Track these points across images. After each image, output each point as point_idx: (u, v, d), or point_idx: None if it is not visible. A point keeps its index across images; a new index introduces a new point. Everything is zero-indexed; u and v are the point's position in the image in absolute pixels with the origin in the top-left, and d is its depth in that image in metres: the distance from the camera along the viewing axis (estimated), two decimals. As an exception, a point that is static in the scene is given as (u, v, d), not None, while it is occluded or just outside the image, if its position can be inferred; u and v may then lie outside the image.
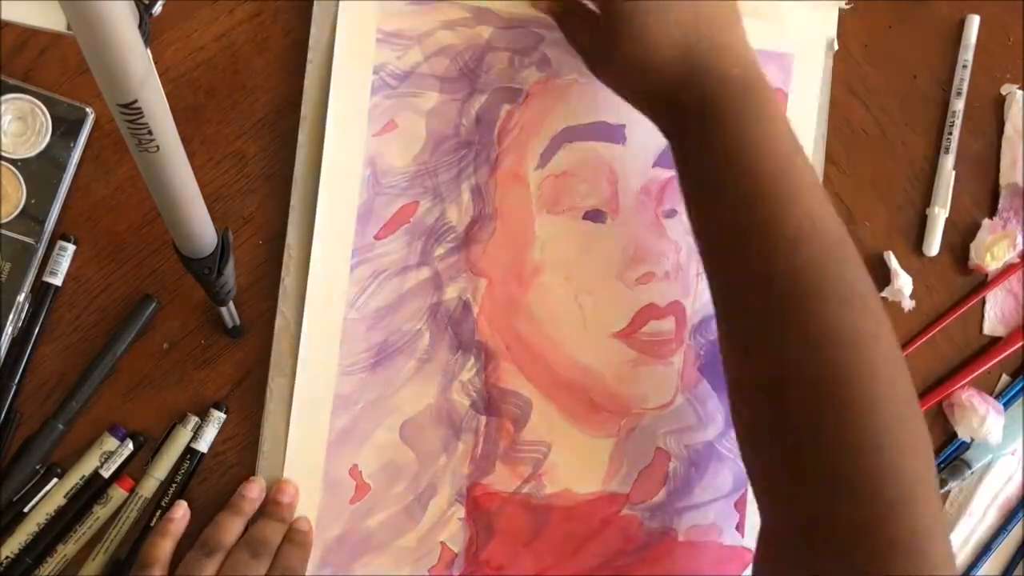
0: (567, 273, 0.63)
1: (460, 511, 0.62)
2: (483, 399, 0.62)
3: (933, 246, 0.67)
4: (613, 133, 0.64)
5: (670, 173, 0.64)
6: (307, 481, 0.60)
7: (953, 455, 0.67)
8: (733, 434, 0.63)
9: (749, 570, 0.63)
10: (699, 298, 0.65)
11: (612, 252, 0.63)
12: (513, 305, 0.63)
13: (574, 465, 0.63)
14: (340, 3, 0.61)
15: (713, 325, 0.64)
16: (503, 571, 0.62)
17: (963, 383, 0.67)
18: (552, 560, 0.63)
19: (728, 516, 0.64)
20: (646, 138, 0.64)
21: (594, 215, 0.63)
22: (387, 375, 0.61)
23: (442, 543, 0.61)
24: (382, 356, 0.61)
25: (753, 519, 0.64)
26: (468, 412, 0.62)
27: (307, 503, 0.60)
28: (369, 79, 0.62)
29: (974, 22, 0.69)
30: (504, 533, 0.62)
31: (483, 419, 0.62)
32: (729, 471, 0.64)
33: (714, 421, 0.64)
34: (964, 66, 0.69)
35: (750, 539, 0.64)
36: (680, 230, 0.64)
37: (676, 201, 0.64)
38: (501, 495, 0.62)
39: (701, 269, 0.63)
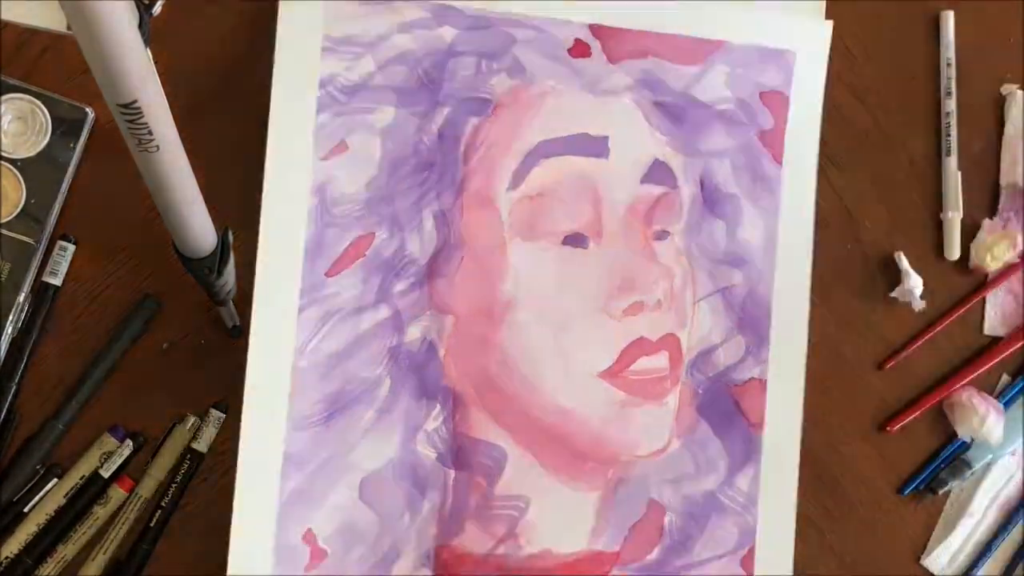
0: (544, 306, 0.57)
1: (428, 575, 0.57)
2: (451, 451, 0.57)
3: (954, 250, 0.67)
4: (595, 146, 0.58)
5: (660, 189, 0.59)
6: (257, 549, 0.55)
7: (953, 455, 0.67)
8: (737, 483, 0.59)
9: None
10: (697, 330, 0.59)
11: (596, 281, 0.58)
12: (483, 345, 0.57)
13: (556, 522, 0.57)
14: (280, 6, 0.56)
15: (713, 358, 0.59)
16: None
17: (963, 383, 0.67)
18: None
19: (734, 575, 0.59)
20: (632, 151, 0.59)
21: (574, 239, 0.58)
22: (343, 428, 0.56)
23: None
24: (337, 407, 0.56)
25: None
26: (434, 466, 0.57)
27: (257, 573, 0.55)
28: (315, 94, 0.56)
29: (949, 19, 0.69)
30: None
31: (451, 473, 0.57)
32: (733, 524, 0.59)
33: (715, 469, 0.59)
34: (948, 64, 0.68)
35: None
36: (672, 253, 0.59)
37: (668, 221, 0.59)
38: (474, 557, 0.56)
39: (698, 297, 0.59)
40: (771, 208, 0.61)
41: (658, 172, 0.59)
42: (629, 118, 0.59)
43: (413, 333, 0.57)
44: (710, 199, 0.60)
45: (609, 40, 0.59)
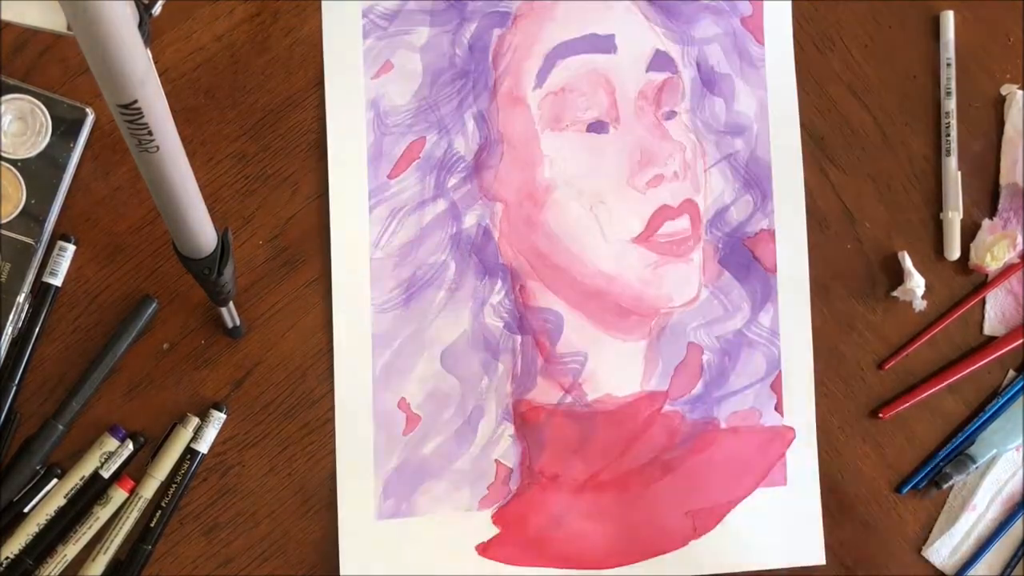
0: (579, 186, 0.65)
1: (509, 428, 0.64)
2: (515, 319, 0.64)
3: (954, 250, 0.68)
4: (604, 43, 0.65)
5: (664, 76, 0.66)
6: (359, 419, 0.62)
7: (957, 449, 0.67)
8: (760, 319, 0.66)
9: (792, 447, 0.66)
10: (710, 193, 0.67)
11: (619, 160, 0.65)
12: (531, 225, 0.64)
13: (611, 370, 0.65)
14: None
15: (727, 216, 0.67)
16: (558, 479, 0.64)
17: (961, 375, 0.67)
18: (603, 462, 0.65)
19: (766, 399, 0.66)
20: (636, 44, 0.66)
21: (597, 126, 0.65)
22: (420, 308, 0.63)
23: (496, 461, 0.64)
24: (413, 290, 0.63)
25: (791, 397, 0.66)
26: (503, 333, 0.64)
27: (361, 440, 0.62)
28: (359, 23, 0.64)
29: (949, 19, 0.69)
30: (554, 443, 0.64)
31: (518, 338, 0.64)
32: (761, 356, 0.67)
33: (740, 310, 0.67)
34: (948, 64, 0.68)
35: (790, 418, 0.67)
36: (681, 130, 0.66)
37: (674, 102, 0.66)
38: (546, 408, 0.64)
39: (708, 165, 0.66)
40: (759, 82, 0.68)
41: (660, 61, 0.66)
42: (630, 17, 0.66)
43: (469, 220, 0.64)
44: (707, 80, 0.67)
45: None
